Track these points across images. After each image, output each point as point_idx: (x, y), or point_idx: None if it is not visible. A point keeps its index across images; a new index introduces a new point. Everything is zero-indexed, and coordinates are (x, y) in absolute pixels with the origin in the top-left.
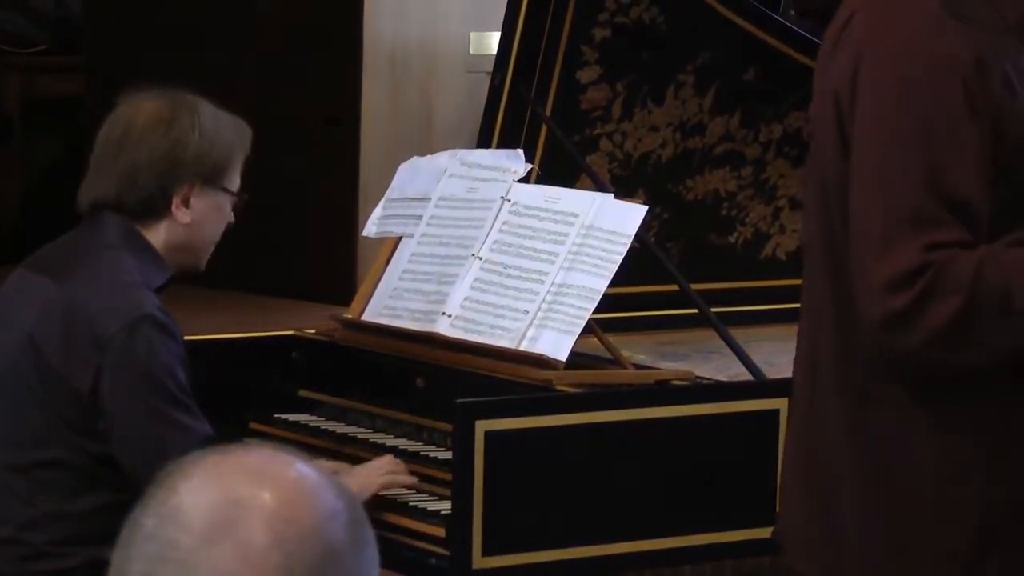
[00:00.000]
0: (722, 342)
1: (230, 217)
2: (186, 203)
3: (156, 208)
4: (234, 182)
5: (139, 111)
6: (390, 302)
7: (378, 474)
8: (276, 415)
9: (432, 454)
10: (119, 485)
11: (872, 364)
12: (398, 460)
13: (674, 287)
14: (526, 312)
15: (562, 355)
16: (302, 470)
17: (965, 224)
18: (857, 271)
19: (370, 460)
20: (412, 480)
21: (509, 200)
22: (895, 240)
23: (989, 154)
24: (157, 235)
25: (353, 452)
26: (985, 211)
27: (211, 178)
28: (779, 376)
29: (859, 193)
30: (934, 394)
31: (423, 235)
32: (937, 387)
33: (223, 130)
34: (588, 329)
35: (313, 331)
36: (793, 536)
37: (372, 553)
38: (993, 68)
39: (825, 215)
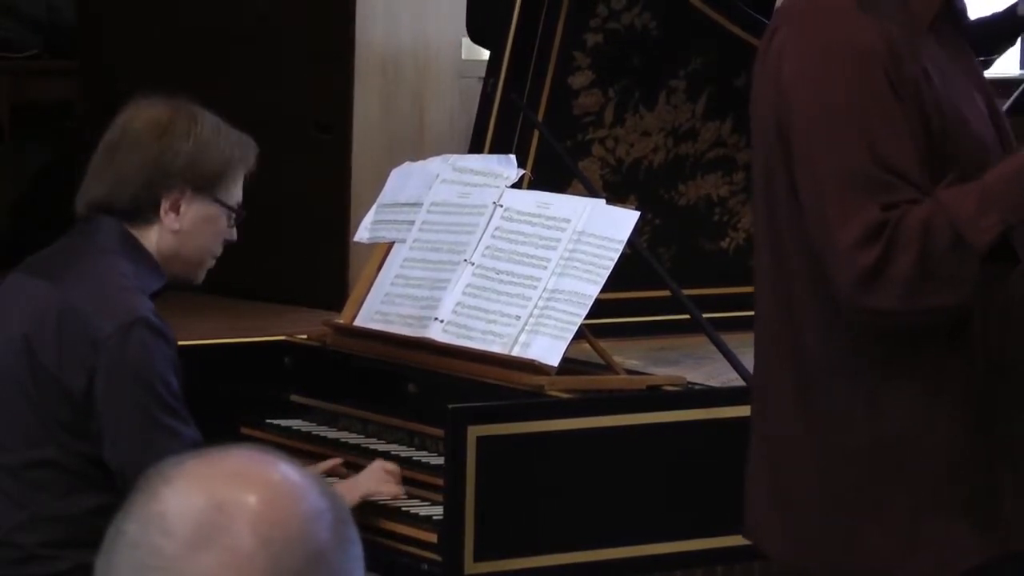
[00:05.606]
0: (714, 347)
1: (228, 233)
2: (176, 209)
3: (145, 211)
4: (231, 195)
5: (138, 116)
6: (382, 307)
7: (367, 481)
8: (268, 420)
9: (424, 459)
10: (111, 487)
11: (820, 360)
12: (390, 464)
13: (666, 292)
14: (518, 317)
15: (554, 361)
16: (285, 471)
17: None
18: (825, 246)
19: (362, 464)
20: (400, 491)
21: (501, 205)
22: (853, 205)
23: (919, 131)
24: (149, 240)
25: (344, 457)
26: (922, 181)
27: (203, 187)
28: None
29: (810, 177)
30: (872, 376)
31: (415, 240)
32: (876, 367)
33: (221, 142)
34: (580, 334)
35: (305, 336)
36: (760, 524)
37: (356, 551)
38: (907, 57)
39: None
